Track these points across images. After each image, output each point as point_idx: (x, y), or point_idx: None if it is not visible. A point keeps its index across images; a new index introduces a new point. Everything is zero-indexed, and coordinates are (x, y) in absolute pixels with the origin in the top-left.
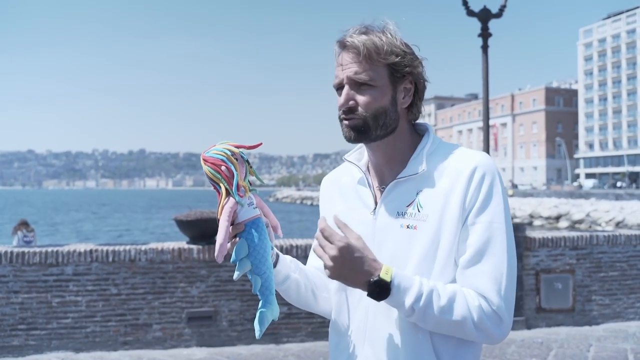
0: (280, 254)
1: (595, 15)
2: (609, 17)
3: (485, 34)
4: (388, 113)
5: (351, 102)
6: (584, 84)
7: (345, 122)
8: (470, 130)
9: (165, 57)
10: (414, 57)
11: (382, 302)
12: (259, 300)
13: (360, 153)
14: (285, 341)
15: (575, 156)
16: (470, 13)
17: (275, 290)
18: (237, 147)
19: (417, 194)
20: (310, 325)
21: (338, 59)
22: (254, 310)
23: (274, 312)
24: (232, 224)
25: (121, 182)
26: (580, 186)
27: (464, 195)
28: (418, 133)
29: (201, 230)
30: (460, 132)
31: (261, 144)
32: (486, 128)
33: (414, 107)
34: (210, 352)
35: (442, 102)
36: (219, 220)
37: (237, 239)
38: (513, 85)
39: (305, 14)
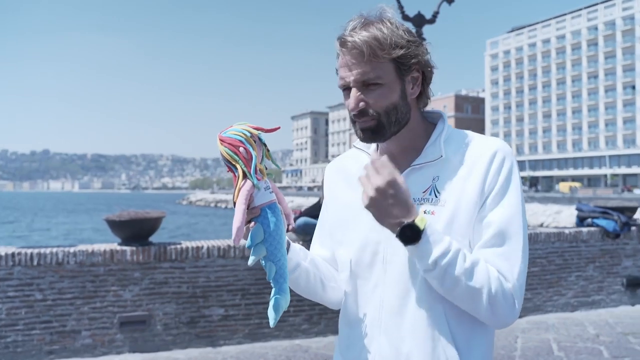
0: (291, 242)
1: (502, 28)
2: (513, 31)
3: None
4: (399, 108)
5: (361, 104)
6: (490, 92)
7: (359, 124)
8: None
9: (75, 51)
10: (419, 44)
11: (398, 294)
12: (271, 288)
13: None
14: (222, 344)
15: None
16: (406, 17)
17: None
18: (256, 129)
19: (434, 179)
20: (247, 326)
21: (341, 59)
22: (190, 312)
23: (287, 300)
24: (249, 208)
25: (22, 184)
26: None
27: (484, 178)
28: (429, 120)
29: (134, 230)
30: None
31: (279, 127)
32: None
33: (423, 94)
34: (145, 358)
35: None
36: (234, 203)
37: (253, 223)
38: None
39: (226, 16)
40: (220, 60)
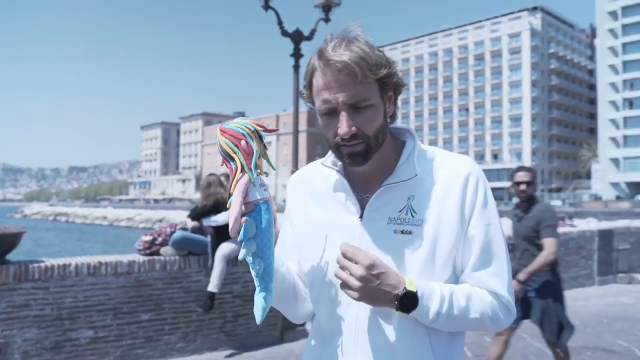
0: None
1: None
2: (385, 46)
3: (297, 55)
4: (384, 129)
5: (353, 129)
6: None
7: (346, 149)
8: None
9: None
10: (392, 62)
11: (374, 309)
12: (255, 287)
13: (335, 156)
14: None
15: None
16: (285, 33)
17: None
18: (259, 125)
19: (409, 199)
20: (119, 348)
21: (321, 79)
22: (54, 337)
23: (271, 299)
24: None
25: None
26: None
27: (462, 201)
28: (395, 136)
29: None
30: None
31: (277, 129)
32: (295, 145)
33: (393, 112)
34: None
35: (210, 119)
36: (231, 194)
37: (245, 218)
38: (278, 106)
39: (67, 12)
40: (65, 60)
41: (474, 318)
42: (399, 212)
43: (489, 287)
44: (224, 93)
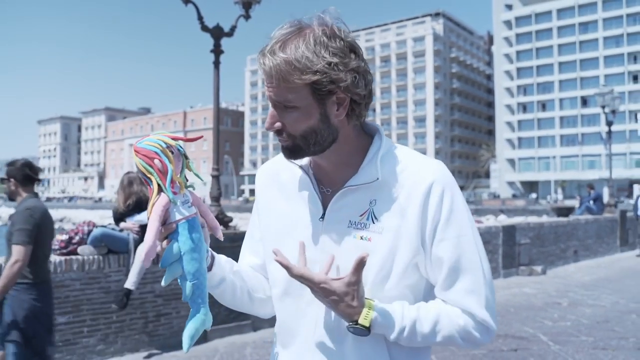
0: (216, 255)
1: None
2: None
3: (217, 50)
4: (318, 131)
5: (276, 125)
6: (249, 107)
7: (279, 141)
8: None
9: None
10: (341, 68)
11: (334, 314)
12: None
13: None
14: None
15: (241, 173)
16: (205, 28)
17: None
18: (174, 139)
19: (371, 203)
20: None
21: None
22: None
23: (206, 322)
24: (164, 224)
25: None
26: (246, 200)
27: (423, 212)
28: (367, 133)
29: None
30: (131, 145)
31: (202, 137)
32: (216, 142)
33: (354, 112)
34: None
35: (114, 114)
36: (149, 218)
37: (167, 241)
38: (186, 102)
39: None
40: None
41: (442, 342)
42: (361, 216)
43: (462, 307)
44: (129, 88)
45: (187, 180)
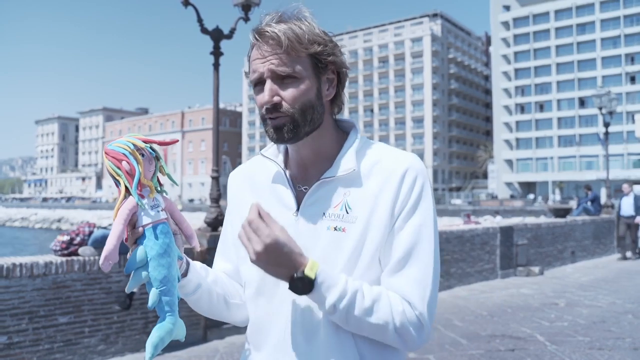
0: (191, 261)
1: None
2: None
3: (217, 53)
4: (315, 107)
5: (276, 98)
6: (247, 107)
7: (271, 121)
8: None
9: None
10: (335, 44)
11: (304, 313)
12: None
13: (276, 148)
14: None
15: None
16: (204, 31)
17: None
18: (146, 141)
19: (345, 194)
20: (35, 354)
21: (255, 51)
22: None
23: (175, 331)
24: (134, 228)
25: None
26: None
27: (395, 198)
28: (341, 129)
29: None
30: None
31: (177, 140)
32: (216, 142)
33: (337, 99)
34: None
35: (112, 114)
36: (114, 221)
37: (137, 245)
38: (184, 102)
39: None
40: None
41: (376, 324)
42: (335, 207)
43: (402, 293)
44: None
45: (160, 185)
